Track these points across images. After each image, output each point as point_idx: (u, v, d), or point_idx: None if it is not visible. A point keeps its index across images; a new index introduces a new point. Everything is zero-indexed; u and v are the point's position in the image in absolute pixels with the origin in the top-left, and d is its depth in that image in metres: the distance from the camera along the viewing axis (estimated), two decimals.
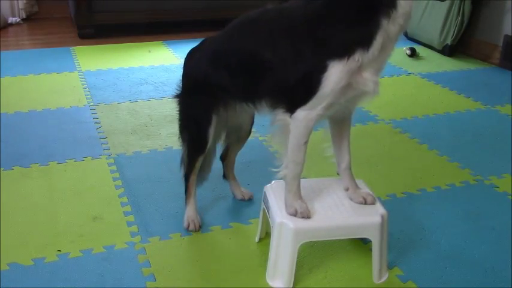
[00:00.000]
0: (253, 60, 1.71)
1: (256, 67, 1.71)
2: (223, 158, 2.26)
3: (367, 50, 1.53)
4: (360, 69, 1.57)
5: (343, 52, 1.54)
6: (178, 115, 2.04)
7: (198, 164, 2.03)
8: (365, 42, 1.53)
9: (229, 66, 1.80)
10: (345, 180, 1.86)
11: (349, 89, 1.60)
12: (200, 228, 2.07)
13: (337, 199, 1.85)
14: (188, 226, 2.06)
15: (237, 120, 2.02)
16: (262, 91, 1.73)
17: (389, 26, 1.51)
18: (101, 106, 3.29)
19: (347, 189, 1.86)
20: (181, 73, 2.01)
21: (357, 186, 1.86)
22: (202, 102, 1.91)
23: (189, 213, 2.08)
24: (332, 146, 1.87)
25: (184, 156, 2.07)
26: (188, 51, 1.99)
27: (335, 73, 1.55)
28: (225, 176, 2.29)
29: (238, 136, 2.15)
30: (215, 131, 1.96)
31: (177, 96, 2.02)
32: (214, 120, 1.92)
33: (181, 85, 2.00)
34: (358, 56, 1.54)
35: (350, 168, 1.86)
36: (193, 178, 2.06)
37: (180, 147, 2.10)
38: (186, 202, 2.09)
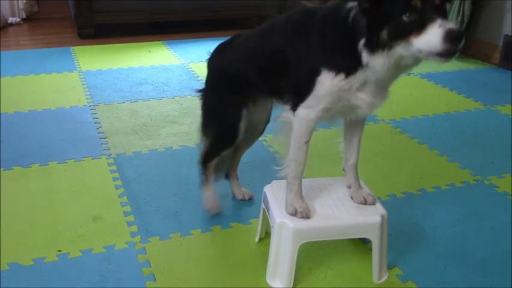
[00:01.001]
0: (279, 58, 1.75)
1: (280, 64, 1.75)
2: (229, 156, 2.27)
3: (354, 76, 1.59)
4: (355, 89, 1.61)
5: (332, 68, 1.60)
6: (202, 110, 2.06)
7: (224, 153, 2.09)
8: (350, 70, 1.58)
9: (259, 62, 1.84)
10: (349, 177, 1.87)
11: (344, 101, 1.64)
12: (220, 211, 2.14)
13: (337, 199, 1.85)
14: (210, 209, 2.15)
15: (254, 119, 2.04)
16: (283, 87, 1.78)
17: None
18: (101, 106, 3.29)
19: (349, 187, 1.87)
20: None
21: (359, 186, 1.86)
22: (232, 97, 1.95)
23: (207, 196, 2.15)
24: (343, 142, 1.88)
25: (207, 148, 2.09)
26: (216, 47, 2.02)
27: (325, 80, 1.61)
28: (227, 175, 2.29)
29: (252, 134, 2.15)
30: (245, 124, 1.99)
31: (201, 91, 2.05)
32: (244, 114, 1.96)
33: (206, 80, 2.03)
34: (343, 77, 1.59)
35: (356, 167, 1.86)
36: (213, 162, 2.11)
37: (201, 141, 2.12)
38: (203, 186, 2.16)
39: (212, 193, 2.16)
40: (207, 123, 2.07)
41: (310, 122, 1.69)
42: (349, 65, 1.57)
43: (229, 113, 1.97)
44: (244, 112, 1.95)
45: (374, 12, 1.46)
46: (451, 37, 1.37)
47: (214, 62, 2.01)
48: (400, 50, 1.46)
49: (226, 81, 1.95)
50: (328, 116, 1.71)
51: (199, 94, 2.07)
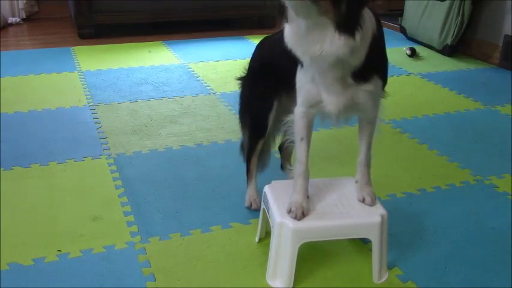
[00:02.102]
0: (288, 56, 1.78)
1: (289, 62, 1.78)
2: (280, 148, 2.32)
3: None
4: (319, 88, 1.63)
5: (301, 63, 1.64)
6: (239, 98, 2.11)
7: (258, 147, 2.12)
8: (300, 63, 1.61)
9: (286, 58, 1.85)
10: (357, 173, 1.88)
11: (315, 96, 1.66)
12: (259, 208, 2.14)
13: (337, 199, 1.85)
14: (250, 205, 2.19)
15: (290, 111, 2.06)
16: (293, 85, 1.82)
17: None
18: (101, 106, 3.29)
19: (356, 182, 1.88)
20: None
21: (365, 183, 1.85)
22: (265, 86, 1.98)
23: (250, 193, 2.21)
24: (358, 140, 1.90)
25: (245, 139, 2.14)
26: (263, 38, 2.08)
27: (298, 74, 1.68)
28: (282, 167, 2.35)
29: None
30: (275, 116, 2.02)
31: (240, 78, 2.09)
32: (275, 105, 1.99)
33: (247, 68, 2.07)
34: (306, 71, 1.62)
35: (365, 165, 1.85)
36: (254, 160, 2.15)
37: (242, 134, 2.16)
38: (247, 183, 2.21)
39: (254, 191, 2.20)
40: (243, 112, 2.13)
41: (300, 119, 1.73)
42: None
43: (260, 103, 2.00)
44: (275, 104, 1.98)
45: None
46: None
47: (254, 53, 2.07)
48: (289, 12, 1.46)
49: (261, 70, 2.00)
50: (313, 113, 1.71)
51: (239, 82, 2.11)
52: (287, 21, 1.51)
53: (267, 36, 2.08)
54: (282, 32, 1.87)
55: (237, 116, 2.21)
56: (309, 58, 1.52)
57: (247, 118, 2.11)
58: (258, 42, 2.11)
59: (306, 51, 1.50)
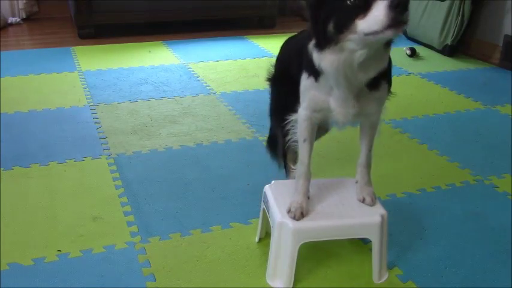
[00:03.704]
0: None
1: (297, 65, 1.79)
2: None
3: (320, 81, 1.60)
4: (326, 93, 1.62)
5: (306, 70, 1.64)
6: (269, 98, 2.10)
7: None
8: (317, 75, 1.59)
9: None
10: (357, 174, 1.88)
11: (321, 104, 1.66)
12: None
13: (337, 199, 1.85)
14: None
15: None
16: None
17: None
18: (101, 106, 3.29)
19: (356, 182, 1.88)
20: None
21: (365, 184, 1.85)
22: (289, 87, 1.95)
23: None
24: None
25: (279, 138, 2.10)
26: (286, 38, 2.07)
27: (303, 80, 1.67)
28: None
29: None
30: None
31: (268, 79, 2.07)
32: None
33: (273, 69, 2.06)
34: (313, 80, 1.61)
35: (365, 166, 1.85)
36: (290, 156, 2.12)
37: (273, 129, 2.15)
38: (287, 178, 2.17)
39: None
40: (271, 112, 2.12)
41: (303, 121, 1.73)
42: (316, 70, 1.56)
43: (287, 103, 1.97)
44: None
45: (318, 8, 1.42)
46: (393, 5, 1.30)
47: (279, 52, 2.06)
48: (347, 43, 1.41)
49: (284, 71, 1.98)
50: (318, 117, 1.71)
51: (268, 83, 2.10)
52: (328, 49, 1.45)
53: (291, 37, 2.05)
54: (305, 35, 1.88)
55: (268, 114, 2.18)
56: (348, 80, 1.51)
57: (274, 118, 2.10)
58: (283, 41, 2.09)
59: (351, 75, 1.50)
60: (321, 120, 1.74)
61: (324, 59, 1.47)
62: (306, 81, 1.66)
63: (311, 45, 1.51)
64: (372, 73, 1.52)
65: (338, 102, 1.61)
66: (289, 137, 1.98)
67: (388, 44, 1.50)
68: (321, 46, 1.45)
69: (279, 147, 2.15)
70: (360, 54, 1.44)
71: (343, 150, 2.75)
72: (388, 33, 1.34)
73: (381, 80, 1.62)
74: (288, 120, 1.86)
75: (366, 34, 1.36)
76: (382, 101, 1.71)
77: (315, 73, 1.59)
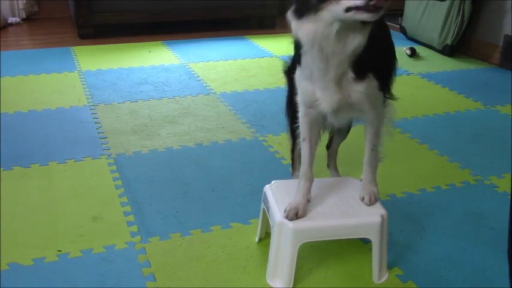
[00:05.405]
0: None
1: None
2: (327, 147, 2.31)
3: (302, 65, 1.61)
4: (314, 86, 1.63)
5: (298, 62, 1.65)
6: (286, 91, 2.08)
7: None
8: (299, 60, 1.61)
9: None
10: (363, 171, 1.87)
11: (310, 95, 1.66)
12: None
13: (338, 199, 1.85)
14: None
15: None
16: None
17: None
18: (101, 106, 3.29)
19: (361, 180, 1.88)
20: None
21: (368, 182, 1.85)
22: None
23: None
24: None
25: (288, 132, 2.11)
26: None
27: (296, 73, 1.69)
28: (328, 165, 2.34)
29: (339, 127, 2.14)
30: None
31: (285, 72, 2.03)
32: None
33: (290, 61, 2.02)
34: (299, 68, 1.62)
35: (369, 165, 1.85)
36: (295, 156, 2.13)
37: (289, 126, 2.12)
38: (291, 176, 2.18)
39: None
40: (287, 106, 2.08)
41: (301, 117, 1.74)
42: (300, 53, 1.58)
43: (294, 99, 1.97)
44: None
45: None
46: None
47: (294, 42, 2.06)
48: (326, 13, 1.42)
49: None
50: (313, 113, 1.71)
51: (284, 75, 2.07)
52: (307, 18, 1.46)
53: None
54: None
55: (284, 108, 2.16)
56: (324, 55, 1.51)
57: (289, 112, 2.07)
58: None
59: (327, 48, 1.49)
60: (317, 117, 1.73)
61: (301, 28, 1.48)
62: (297, 73, 1.67)
63: (289, 12, 1.50)
64: (348, 48, 1.51)
65: (320, 87, 1.61)
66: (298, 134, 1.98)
67: (364, 22, 1.48)
68: (300, 13, 1.45)
69: (291, 145, 2.16)
70: (337, 25, 1.45)
71: (343, 150, 2.74)
72: (366, 16, 1.37)
73: (368, 72, 1.61)
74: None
75: (346, 10, 1.38)
76: (371, 97, 1.67)
77: (299, 56, 1.59)
